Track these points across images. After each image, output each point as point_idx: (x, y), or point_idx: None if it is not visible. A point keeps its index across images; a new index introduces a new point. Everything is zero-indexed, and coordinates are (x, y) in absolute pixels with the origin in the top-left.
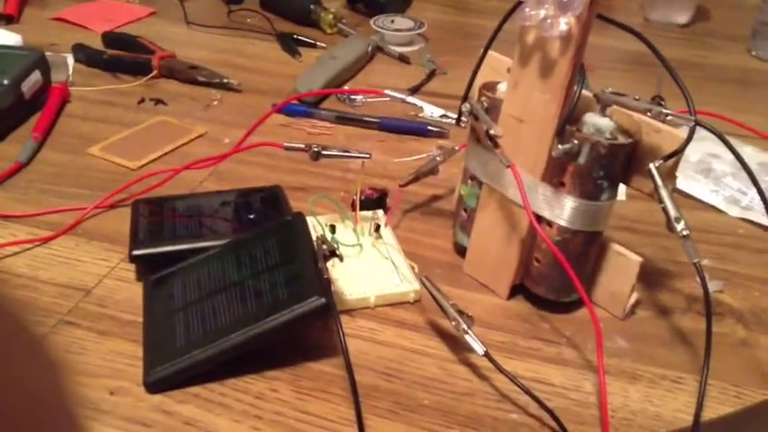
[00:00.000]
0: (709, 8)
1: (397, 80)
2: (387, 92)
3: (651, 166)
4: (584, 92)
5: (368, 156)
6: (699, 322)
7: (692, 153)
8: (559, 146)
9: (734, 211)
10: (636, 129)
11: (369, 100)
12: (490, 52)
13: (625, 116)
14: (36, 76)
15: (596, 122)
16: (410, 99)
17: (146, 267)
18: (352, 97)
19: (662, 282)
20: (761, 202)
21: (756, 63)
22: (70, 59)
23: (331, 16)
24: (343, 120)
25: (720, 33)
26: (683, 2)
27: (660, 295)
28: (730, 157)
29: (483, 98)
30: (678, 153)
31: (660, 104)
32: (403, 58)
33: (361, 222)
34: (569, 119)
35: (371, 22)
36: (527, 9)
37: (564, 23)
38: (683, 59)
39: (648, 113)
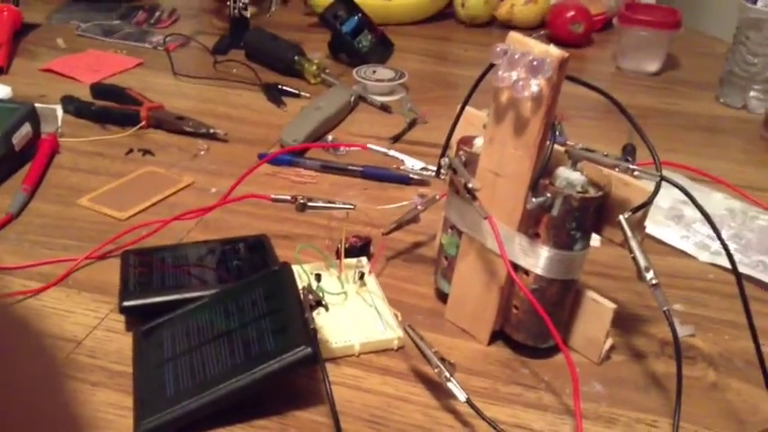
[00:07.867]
0: (678, 56)
1: (380, 129)
2: (369, 146)
3: (621, 217)
4: (557, 146)
5: (352, 206)
6: (672, 366)
7: (663, 200)
8: (533, 199)
9: (704, 257)
10: (606, 182)
11: (352, 149)
12: (467, 108)
13: (596, 170)
14: (26, 128)
15: (568, 176)
16: (392, 153)
17: (135, 318)
18: None
19: (636, 327)
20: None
21: (724, 110)
22: (59, 111)
23: (314, 67)
24: (327, 168)
25: (690, 81)
26: (653, 51)
27: (634, 340)
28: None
29: (461, 152)
30: (646, 205)
31: (628, 159)
32: (384, 108)
33: (345, 270)
34: (543, 173)
35: (354, 72)
36: (500, 72)
37: (535, 85)
38: (653, 107)
39: (616, 169)
